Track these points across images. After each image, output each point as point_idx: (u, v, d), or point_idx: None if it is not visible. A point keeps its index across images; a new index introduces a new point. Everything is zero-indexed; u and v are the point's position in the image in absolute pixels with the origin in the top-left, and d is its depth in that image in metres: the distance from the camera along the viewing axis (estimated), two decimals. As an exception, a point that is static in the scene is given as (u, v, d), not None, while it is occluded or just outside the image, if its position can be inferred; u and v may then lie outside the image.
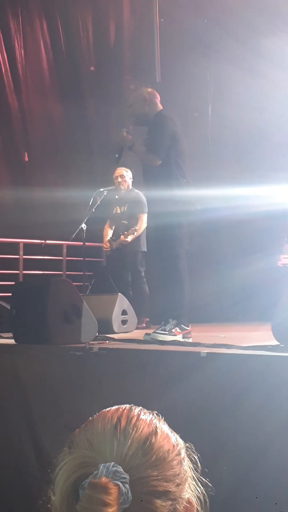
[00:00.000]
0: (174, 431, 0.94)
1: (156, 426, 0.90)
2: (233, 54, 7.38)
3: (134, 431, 0.87)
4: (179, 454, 0.90)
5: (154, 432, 0.89)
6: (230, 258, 6.77)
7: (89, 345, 3.97)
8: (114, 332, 5.09)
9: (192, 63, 7.68)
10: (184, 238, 4.40)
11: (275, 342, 3.48)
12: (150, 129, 4.31)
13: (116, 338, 4.57)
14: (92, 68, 9.65)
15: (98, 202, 6.58)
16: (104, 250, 6.82)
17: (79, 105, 9.36)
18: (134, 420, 0.89)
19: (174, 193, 4.22)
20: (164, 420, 0.94)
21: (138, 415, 0.91)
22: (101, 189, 6.63)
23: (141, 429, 0.88)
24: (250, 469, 2.83)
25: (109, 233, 6.70)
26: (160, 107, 4.42)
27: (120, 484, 0.80)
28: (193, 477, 0.92)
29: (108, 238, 6.62)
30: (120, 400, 1.01)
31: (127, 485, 0.81)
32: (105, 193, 6.62)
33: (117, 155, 4.48)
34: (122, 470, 0.82)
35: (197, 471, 0.93)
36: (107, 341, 4.35)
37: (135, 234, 6.27)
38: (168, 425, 0.94)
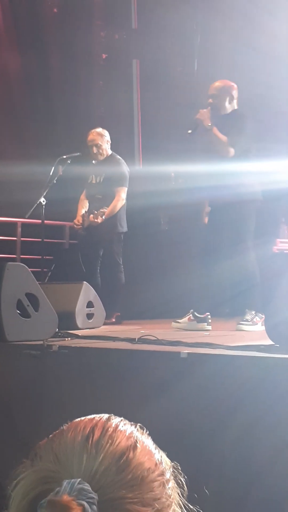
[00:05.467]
0: None
1: (137, 440, 0.88)
2: (225, 1, 7.35)
3: (108, 444, 0.86)
4: (162, 474, 0.88)
5: (133, 446, 0.87)
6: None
7: (48, 342, 3.95)
8: (77, 328, 5.09)
9: (176, 9, 7.63)
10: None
11: (269, 342, 3.49)
12: (226, 124, 5.11)
13: (80, 334, 4.57)
14: (55, 10, 9.53)
15: (60, 173, 6.50)
16: (75, 227, 6.46)
17: (40, 58, 9.23)
18: (110, 431, 0.88)
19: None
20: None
21: (117, 426, 0.89)
22: (64, 156, 6.55)
23: (117, 442, 0.86)
24: (242, 497, 2.83)
25: (85, 204, 6.44)
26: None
27: (86, 505, 0.78)
28: (179, 504, 0.90)
29: (84, 211, 6.37)
30: (84, 410, 0.99)
31: (94, 507, 0.79)
32: (68, 162, 6.54)
33: (190, 131, 5.06)
34: (90, 489, 0.80)
35: (183, 496, 0.91)
36: (69, 338, 4.34)
37: (103, 217, 6.14)
38: None
